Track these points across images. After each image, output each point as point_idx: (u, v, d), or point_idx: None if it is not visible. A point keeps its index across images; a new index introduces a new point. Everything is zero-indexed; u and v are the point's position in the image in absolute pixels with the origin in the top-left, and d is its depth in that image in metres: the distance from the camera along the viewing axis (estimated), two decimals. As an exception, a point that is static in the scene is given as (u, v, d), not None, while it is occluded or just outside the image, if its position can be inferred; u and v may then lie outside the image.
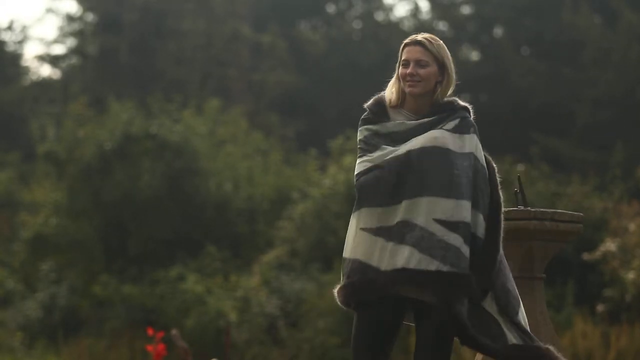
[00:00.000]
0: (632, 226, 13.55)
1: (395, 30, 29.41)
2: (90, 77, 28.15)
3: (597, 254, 13.30)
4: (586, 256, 13.43)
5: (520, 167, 15.55)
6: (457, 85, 4.57)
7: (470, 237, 4.36)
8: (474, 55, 28.59)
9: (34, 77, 30.46)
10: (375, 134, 4.51)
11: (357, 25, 32.08)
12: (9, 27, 30.45)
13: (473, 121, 4.52)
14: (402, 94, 4.53)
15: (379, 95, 4.60)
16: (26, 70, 30.92)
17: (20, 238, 18.51)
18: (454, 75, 4.52)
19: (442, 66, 4.48)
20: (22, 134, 25.63)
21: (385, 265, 4.35)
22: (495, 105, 25.00)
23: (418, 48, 4.47)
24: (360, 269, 4.39)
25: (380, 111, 4.55)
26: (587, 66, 23.45)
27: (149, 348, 7.85)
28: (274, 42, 28.22)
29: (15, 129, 27.05)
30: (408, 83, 4.46)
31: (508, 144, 19.89)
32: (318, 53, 29.46)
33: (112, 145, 17.73)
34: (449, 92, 4.53)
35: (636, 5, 23.39)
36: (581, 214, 5.55)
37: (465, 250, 4.33)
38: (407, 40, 4.52)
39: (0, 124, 27.39)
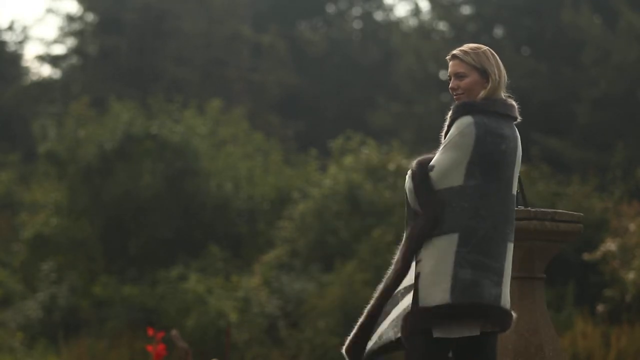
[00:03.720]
0: (632, 226, 13.54)
1: (395, 30, 29.40)
2: (91, 77, 28.12)
3: (598, 254, 13.29)
4: (586, 256, 13.42)
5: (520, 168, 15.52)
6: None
7: None
8: (474, 56, 28.51)
9: (34, 77, 30.45)
10: None
11: (357, 25, 32.10)
12: (10, 28, 30.46)
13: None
14: None
15: None
16: (26, 70, 30.93)
17: (20, 238, 18.49)
18: (499, 79, 4.48)
19: (484, 73, 4.48)
20: (23, 134, 25.63)
21: None
22: (495, 105, 24.89)
23: (455, 62, 4.52)
24: None
25: None
26: (587, 66, 23.42)
27: (149, 348, 7.85)
28: (274, 42, 28.22)
29: (16, 129, 27.05)
30: (454, 98, 4.50)
31: (508, 144, 19.78)
32: (318, 53, 29.46)
33: (112, 145, 17.72)
34: (499, 95, 4.48)
35: (636, 5, 23.35)
36: (581, 214, 5.56)
37: None
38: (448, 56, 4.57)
39: (1, 124, 27.38)
